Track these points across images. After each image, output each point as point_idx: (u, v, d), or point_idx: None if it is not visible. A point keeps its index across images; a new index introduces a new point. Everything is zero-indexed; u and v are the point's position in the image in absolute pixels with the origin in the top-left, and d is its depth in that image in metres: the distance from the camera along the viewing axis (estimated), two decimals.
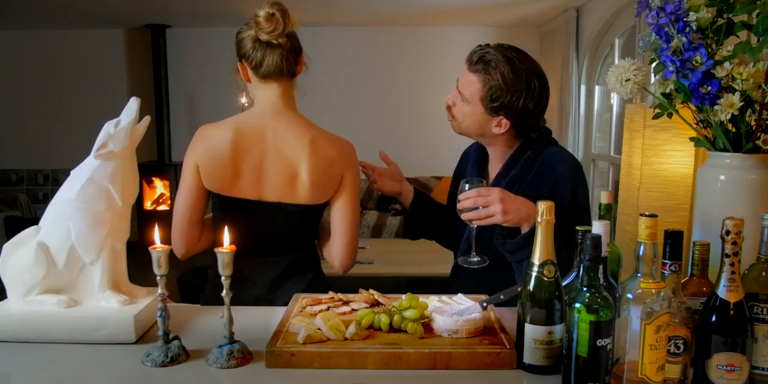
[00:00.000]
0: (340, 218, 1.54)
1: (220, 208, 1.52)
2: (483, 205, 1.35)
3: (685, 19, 1.09)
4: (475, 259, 1.46)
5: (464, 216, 1.38)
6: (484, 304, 1.21)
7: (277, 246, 1.56)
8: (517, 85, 1.42)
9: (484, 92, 1.45)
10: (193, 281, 3.26)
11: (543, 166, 1.51)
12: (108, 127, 1.21)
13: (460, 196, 1.38)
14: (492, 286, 1.30)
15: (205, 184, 1.49)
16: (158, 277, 1.09)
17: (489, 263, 1.46)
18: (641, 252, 0.97)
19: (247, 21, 1.49)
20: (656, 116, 1.22)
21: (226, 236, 1.10)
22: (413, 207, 1.74)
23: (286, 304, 1.36)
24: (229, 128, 1.47)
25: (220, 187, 1.48)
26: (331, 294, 1.34)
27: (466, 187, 1.39)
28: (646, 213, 0.98)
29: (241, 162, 1.46)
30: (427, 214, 1.75)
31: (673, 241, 0.97)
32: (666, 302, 0.93)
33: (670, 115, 1.19)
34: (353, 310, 1.27)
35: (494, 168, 1.61)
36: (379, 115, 6.14)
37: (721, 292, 0.96)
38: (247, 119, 1.50)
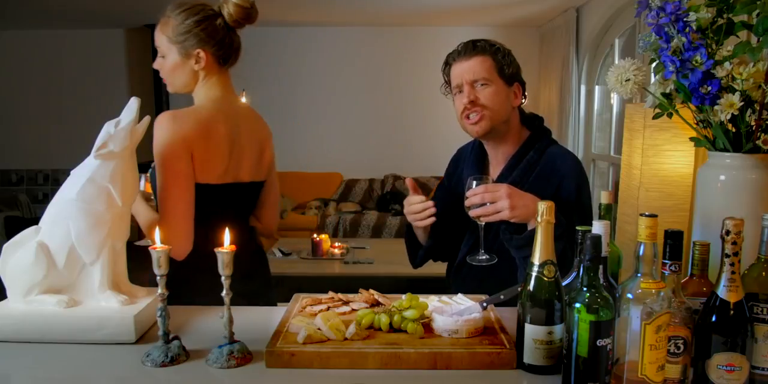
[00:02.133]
0: (272, 189, 1.67)
1: (206, 199, 1.44)
2: (491, 201, 1.35)
3: (685, 19, 1.09)
4: (484, 257, 1.45)
5: (472, 212, 1.38)
6: (484, 304, 1.21)
7: (247, 228, 1.61)
8: (508, 49, 1.56)
9: (498, 64, 1.51)
10: None
11: (546, 166, 1.51)
12: (108, 127, 1.21)
13: (468, 193, 1.38)
14: (493, 286, 1.30)
15: (198, 175, 1.41)
16: (158, 277, 1.09)
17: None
18: (641, 252, 0.97)
19: (203, 6, 1.44)
20: (656, 116, 1.22)
21: (227, 236, 1.10)
22: (436, 234, 1.64)
23: (262, 291, 1.38)
24: (221, 114, 1.45)
25: (213, 177, 1.44)
26: (331, 294, 1.34)
27: (474, 183, 1.39)
28: (646, 213, 0.98)
29: (232, 148, 1.47)
30: (447, 234, 1.68)
31: (673, 241, 0.97)
32: (666, 302, 0.93)
33: (670, 115, 1.19)
34: (353, 310, 1.27)
35: (495, 170, 1.60)
36: (379, 115, 6.13)
37: (721, 292, 0.96)
38: (222, 106, 1.49)
